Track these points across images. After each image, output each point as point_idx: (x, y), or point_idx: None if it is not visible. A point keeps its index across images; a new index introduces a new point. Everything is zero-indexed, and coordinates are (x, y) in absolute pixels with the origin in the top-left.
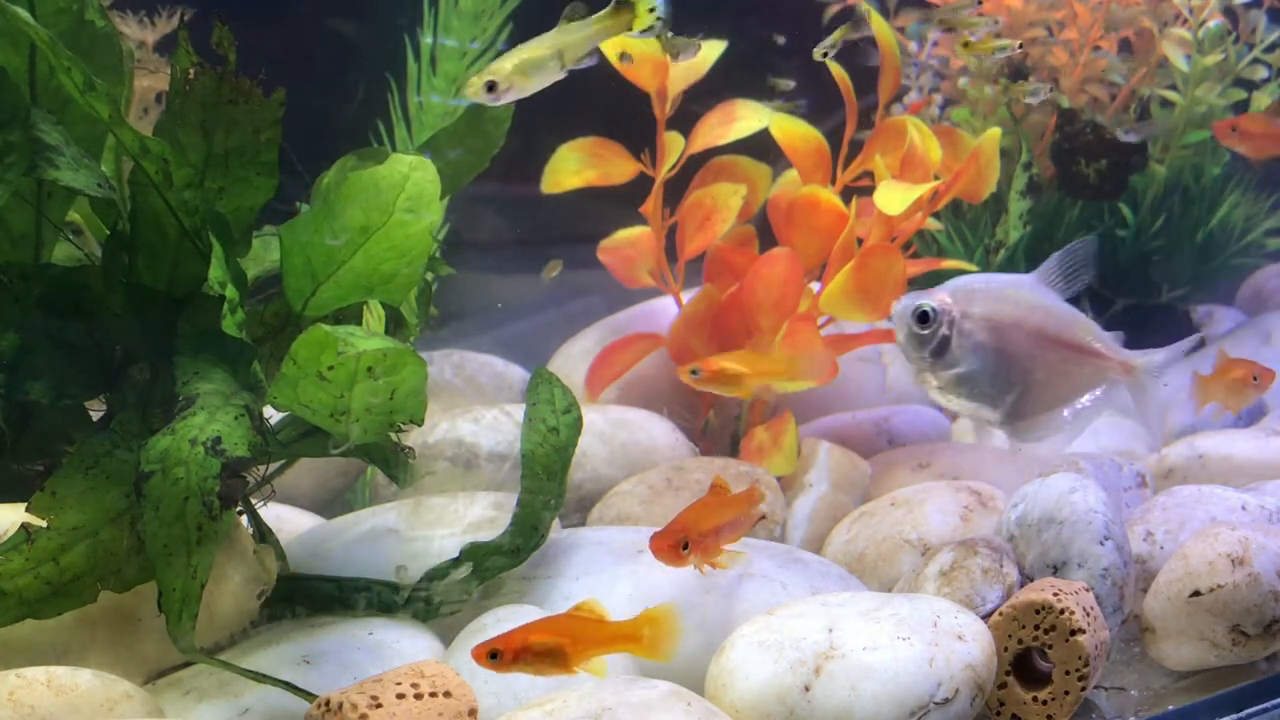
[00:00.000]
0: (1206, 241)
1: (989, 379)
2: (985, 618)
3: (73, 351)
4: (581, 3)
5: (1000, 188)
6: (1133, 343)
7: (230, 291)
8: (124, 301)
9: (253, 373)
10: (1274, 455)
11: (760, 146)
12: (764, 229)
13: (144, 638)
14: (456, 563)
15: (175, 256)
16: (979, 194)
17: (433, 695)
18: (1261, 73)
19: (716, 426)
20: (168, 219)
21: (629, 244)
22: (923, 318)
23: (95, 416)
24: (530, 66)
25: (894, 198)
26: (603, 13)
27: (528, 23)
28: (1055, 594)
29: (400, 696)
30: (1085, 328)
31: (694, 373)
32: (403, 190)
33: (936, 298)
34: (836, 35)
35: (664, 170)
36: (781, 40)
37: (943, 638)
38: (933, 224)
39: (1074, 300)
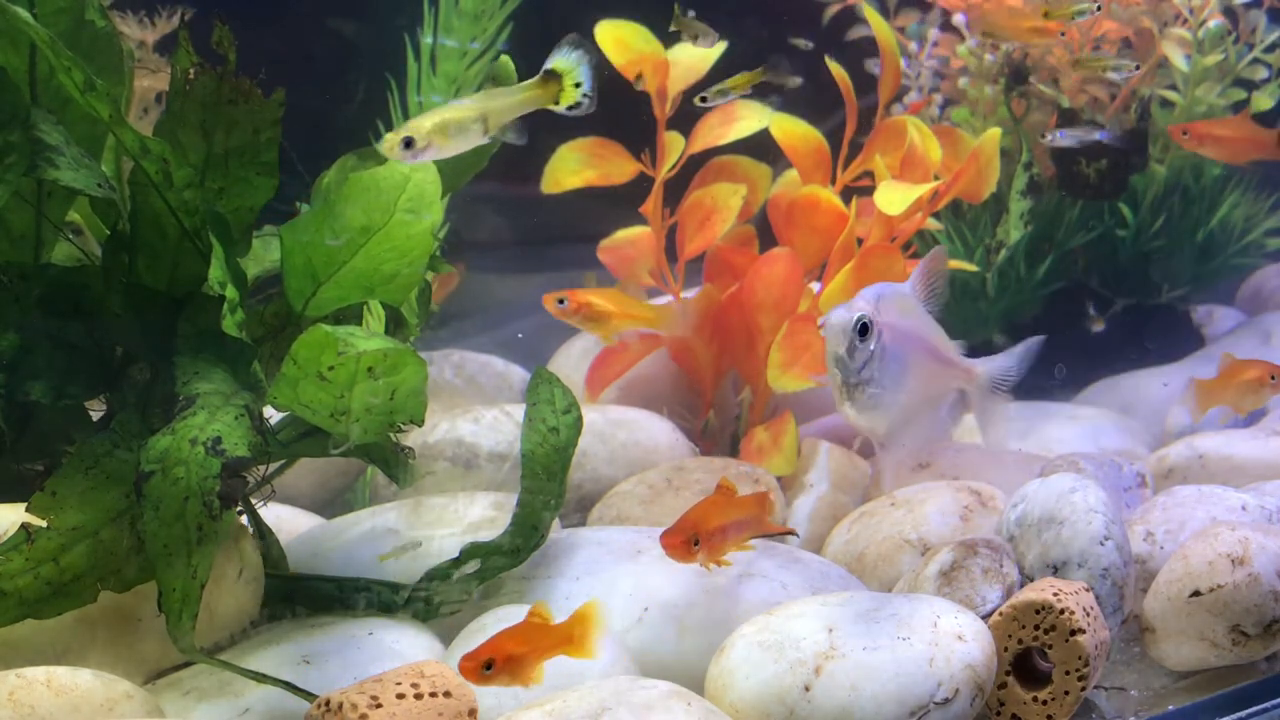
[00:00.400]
0: (1206, 241)
1: (898, 391)
2: (985, 618)
3: (73, 351)
4: (509, 59)
5: (1000, 188)
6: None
7: (230, 291)
8: (124, 301)
9: (253, 373)
10: (1274, 455)
11: (760, 146)
12: (764, 229)
13: (144, 638)
14: (457, 562)
15: (175, 256)
16: (979, 194)
17: (433, 695)
18: (1261, 73)
19: (716, 426)
20: (168, 219)
21: (629, 244)
22: (864, 330)
23: (95, 416)
24: (451, 127)
25: (894, 198)
26: (530, 82)
27: (528, 23)
28: (1055, 594)
29: (400, 696)
30: (943, 336)
31: (560, 302)
32: (404, 191)
33: (862, 306)
34: (738, 80)
35: (664, 170)
36: (806, 45)
37: (943, 638)
38: (933, 224)
39: (1066, 300)
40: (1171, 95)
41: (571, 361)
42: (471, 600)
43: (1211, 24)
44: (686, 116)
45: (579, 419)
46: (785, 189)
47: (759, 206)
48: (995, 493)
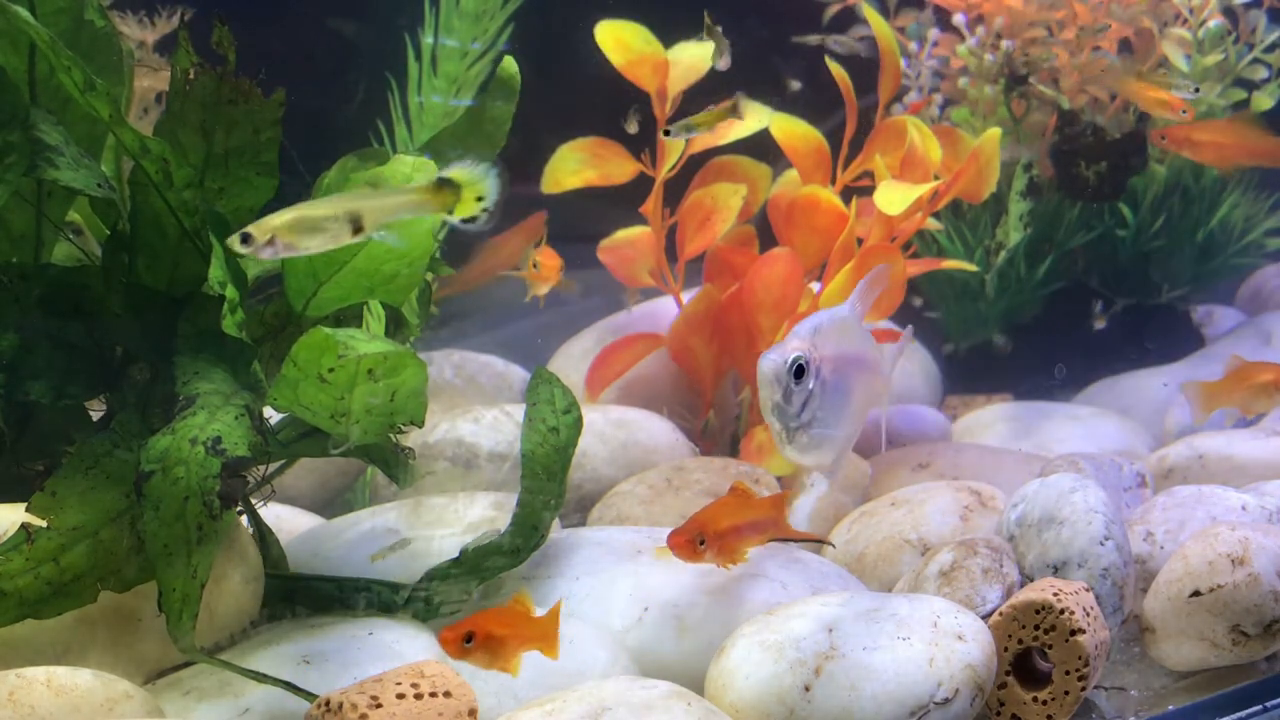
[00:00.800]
0: (1206, 241)
1: (840, 423)
2: (985, 618)
3: (73, 351)
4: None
5: (1000, 188)
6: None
7: (230, 291)
8: (124, 301)
9: (253, 373)
10: (1274, 455)
11: (760, 146)
12: (764, 229)
13: (144, 638)
14: (457, 562)
15: (175, 256)
16: (979, 194)
17: (433, 695)
18: (1261, 73)
19: (716, 426)
20: (168, 219)
21: (629, 244)
22: (800, 372)
23: (95, 416)
24: (306, 226)
25: (894, 198)
26: (422, 184)
27: (528, 23)
28: (1055, 594)
29: (400, 696)
30: (877, 348)
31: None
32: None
33: (796, 345)
34: (705, 117)
35: (664, 170)
36: (816, 40)
37: (943, 638)
38: (933, 224)
39: (1066, 300)
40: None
41: (571, 361)
42: (471, 600)
43: (1211, 24)
44: (687, 117)
45: (579, 419)
46: (785, 189)
47: (759, 206)
48: (995, 493)
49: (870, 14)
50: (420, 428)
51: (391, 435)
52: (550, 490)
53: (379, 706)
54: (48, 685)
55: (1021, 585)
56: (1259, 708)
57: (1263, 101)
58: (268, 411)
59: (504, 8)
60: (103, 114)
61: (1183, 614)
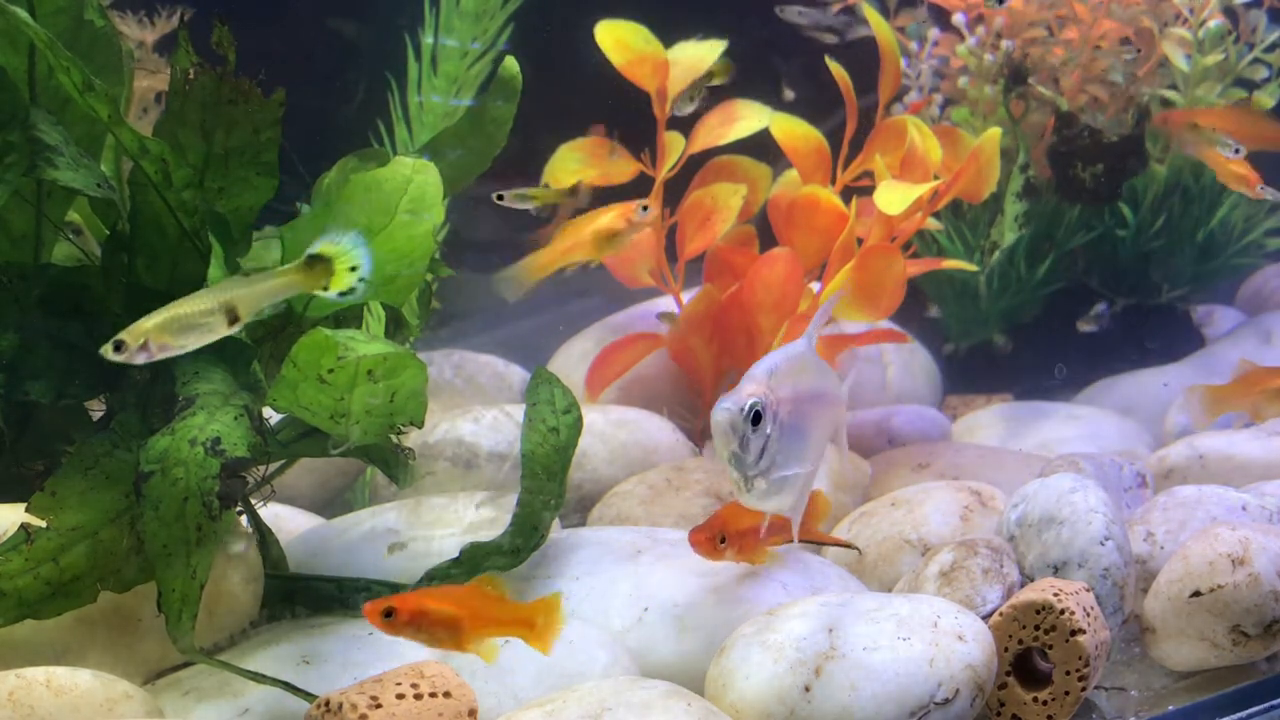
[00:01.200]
0: (1207, 241)
1: (799, 464)
2: (985, 618)
3: (73, 351)
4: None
5: (1000, 188)
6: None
7: None
8: (124, 301)
9: (252, 373)
10: (1274, 455)
11: (760, 146)
12: (764, 229)
13: (144, 638)
14: (457, 562)
15: (175, 256)
16: (979, 194)
17: (433, 695)
18: (1262, 72)
19: None
20: (167, 219)
21: (629, 244)
22: (756, 419)
23: (95, 416)
24: (178, 325)
25: (894, 198)
26: (292, 265)
27: (528, 23)
28: (1055, 594)
29: (400, 697)
30: (834, 378)
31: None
32: (405, 192)
33: (752, 391)
34: (542, 192)
35: (664, 170)
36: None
37: (943, 638)
38: (933, 224)
39: (1066, 300)
40: (1172, 95)
41: (571, 361)
42: None
43: (1212, 24)
44: (686, 117)
45: (579, 419)
46: (785, 189)
47: (759, 206)
48: (995, 493)
49: (870, 14)
50: (420, 428)
51: (391, 435)
52: (550, 490)
53: (379, 707)
54: (47, 685)
55: (1022, 585)
56: (1259, 708)
57: (1263, 101)
58: (267, 411)
59: (504, 7)
60: (102, 114)
61: (1183, 614)
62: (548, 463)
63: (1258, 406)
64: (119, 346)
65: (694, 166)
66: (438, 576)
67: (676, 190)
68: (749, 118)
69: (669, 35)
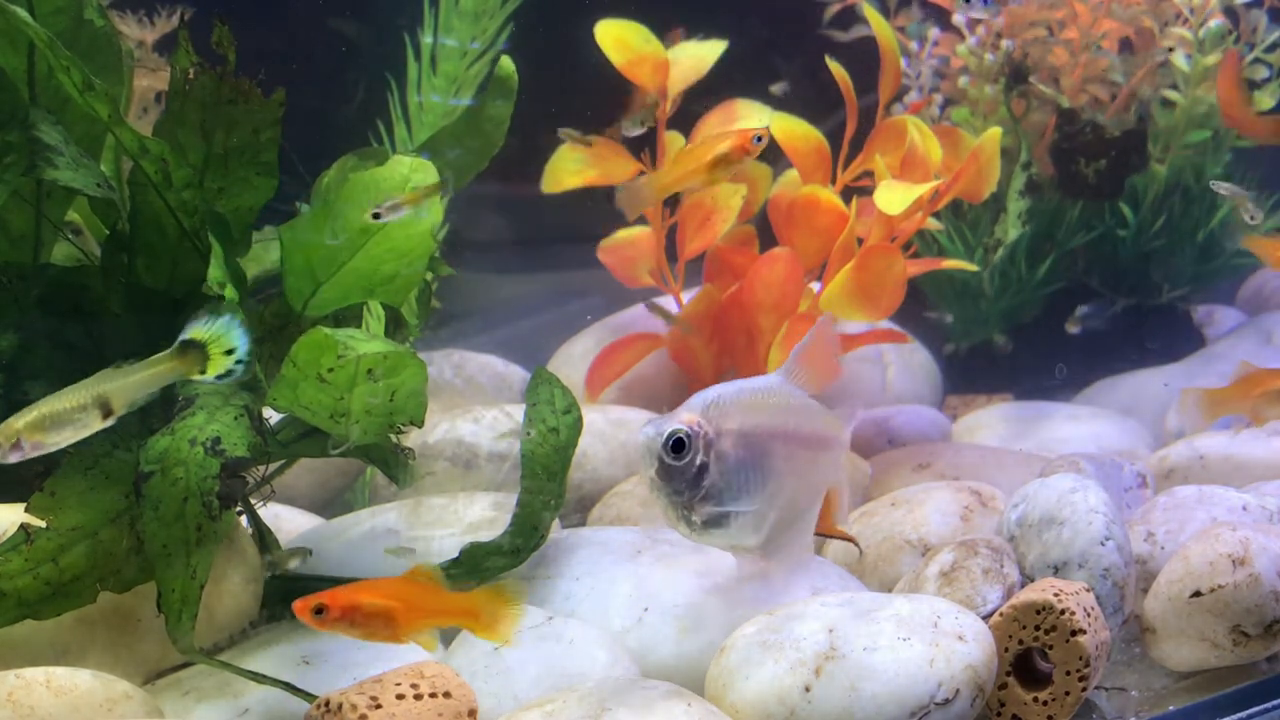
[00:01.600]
0: (1207, 241)
1: (753, 502)
2: (986, 618)
3: (72, 351)
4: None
5: (1001, 187)
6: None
7: (229, 291)
8: (124, 301)
9: (252, 373)
10: (1274, 455)
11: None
12: (764, 229)
13: (143, 638)
14: (457, 562)
15: (175, 256)
16: (979, 194)
17: (432, 696)
18: (1262, 72)
19: None
20: (167, 219)
21: (629, 244)
22: (677, 446)
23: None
24: (51, 421)
25: (894, 198)
26: (165, 353)
27: (528, 23)
28: (1056, 594)
29: (400, 697)
30: (826, 418)
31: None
32: (404, 191)
33: (686, 419)
34: (410, 195)
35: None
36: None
37: (943, 638)
38: (933, 224)
39: (1073, 299)
40: (1172, 95)
41: (571, 361)
42: None
43: (1212, 24)
44: (686, 116)
45: (579, 419)
46: (785, 189)
47: (759, 206)
48: (995, 493)
49: (870, 14)
50: (420, 428)
51: (391, 435)
52: (550, 490)
53: (378, 707)
54: (47, 686)
55: (1022, 586)
56: (1259, 708)
57: (1263, 101)
58: (267, 411)
59: (503, 7)
60: (102, 114)
61: (1183, 614)
62: (548, 463)
63: (1258, 409)
64: None
65: None
66: None
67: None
68: (749, 118)
69: (669, 35)
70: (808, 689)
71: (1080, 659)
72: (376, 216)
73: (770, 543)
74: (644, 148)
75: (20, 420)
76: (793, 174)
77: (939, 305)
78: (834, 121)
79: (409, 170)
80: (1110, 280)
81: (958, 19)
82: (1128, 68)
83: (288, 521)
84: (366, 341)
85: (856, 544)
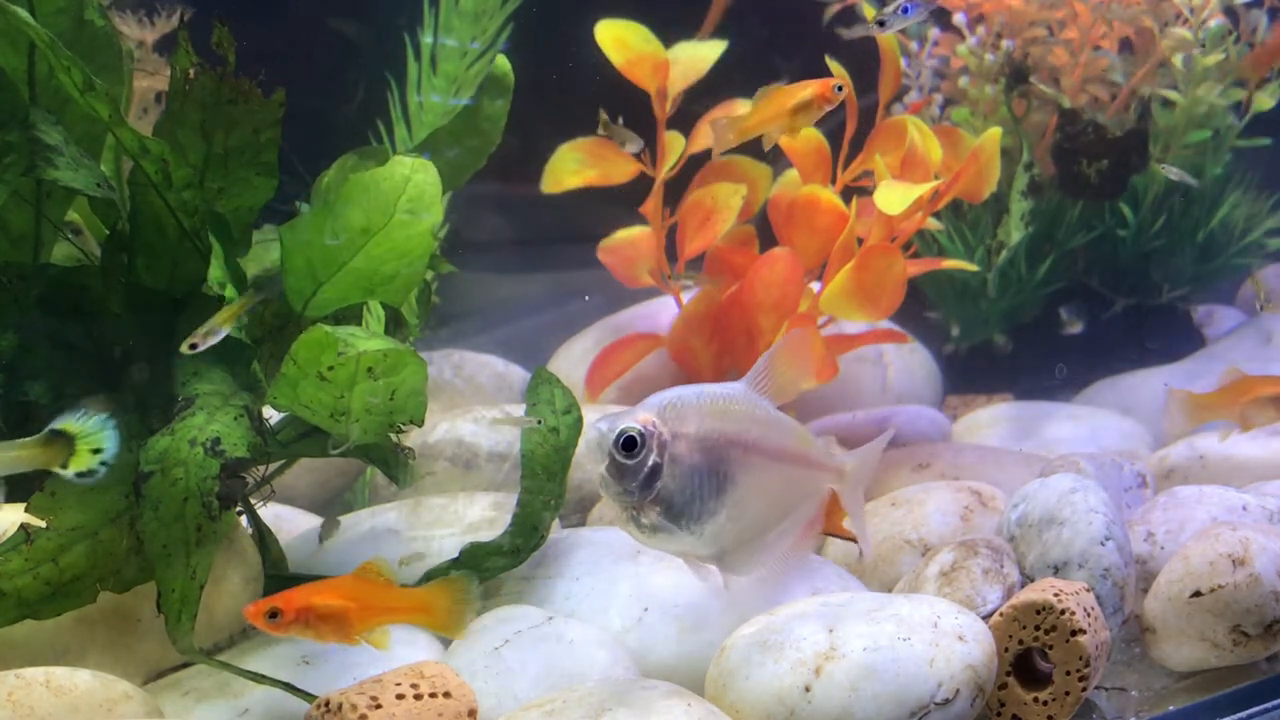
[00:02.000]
0: (1207, 241)
1: (706, 509)
2: (986, 618)
3: (72, 351)
4: None
5: (1001, 188)
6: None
7: (229, 291)
8: (124, 301)
9: (252, 373)
10: (1274, 455)
11: (760, 146)
12: (764, 229)
13: (143, 638)
14: (457, 562)
15: (175, 256)
16: (979, 194)
17: (432, 696)
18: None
19: None
20: (167, 219)
21: (629, 244)
22: (628, 444)
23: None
24: None
25: (894, 198)
26: (33, 439)
27: (529, 23)
28: (1056, 594)
29: (400, 697)
30: (801, 436)
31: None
32: (404, 192)
33: (640, 418)
34: (226, 313)
35: (664, 170)
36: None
37: (943, 638)
38: (933, 224)
39: (1068, 300)
40: (1172, 95)
41: (571, 361)
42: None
43: (1212, 23)
44: (686, 116)
45: (579, 419)
46: (785, 189)
47: (759, 206)
48: (995, 493)
49: (870, 14)
50: (420, 427)
51: (391, 435)
52: (550, 490)
53: (378, 707)
54: (47, 686)
55: (1022, 585)
56: (1259, 708)
57: (1263, 101)
58: (267, 411)
59: (503, 7)
60: (102, 114)
61: (1183, 614)
62: (548, 463)
63: (1246, 415)
64: None
65: (694, 166)
66: (437, 577)
67: (676, 190)
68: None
69: (669, 35)
70: (808, 689)
71: (1080, 659)
72: (193, 348)
73: (729, 557)
74: (644, 148)
75: None
76: (793, 174)
77: (939, 306)
78: (834, 121)
79: (410, 170)
80: (1110, 280)
81: (958, 19)
82: (1128, 68)
83: (288, 521)
84: (367, 339)
85: (860, 544)
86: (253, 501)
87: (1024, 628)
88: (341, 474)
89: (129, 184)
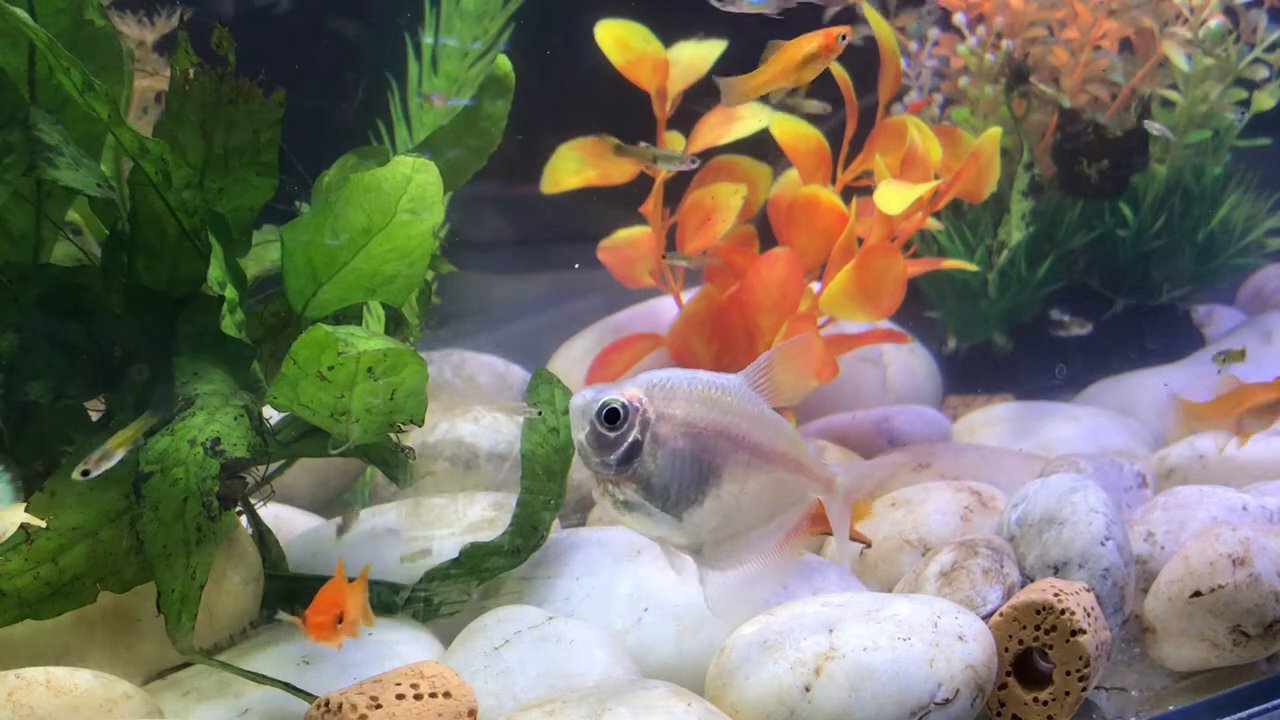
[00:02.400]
0: (1207, 241)
1: (685, 496)
2: (986, 618)
3: (72, 351)
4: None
5: (1001, 188)
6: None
7: (230, 291)
8: (124, 301)
9: (252, 373)
10: (1274, 455)
11: (760, 146)
12: (764, 229)
13: (143, 638)
14: (457, 563)
15: (175, 256)
16: (979, 194)
17: (432, 696)
18: (1262, 72)
19: None
20: (167, 219)
21: (629, 244)
22: (611, 416)
23: (95, 417)
24: None
25: (894, 197)
26: None
27: (530, 23)
28: (1056, 594)
29: (400, 697)
30: (792, 439)
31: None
32: (404, 191)
33: (628, 393)
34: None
35: (664, 170)
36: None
37: (943, 638)
38: (933, 224)
39: (1069, 298)
40: (1172, 95)
41: (571, 361)
42: (471, 600)
43: (1212, 23)
44: (686, 116)
45: None
46: (785, 189)
47: (759, 206)
48: (995, 493)
49: (870, 14)
50: (420, 426)
51: (391, 435)
52: (550, 490)
53: (379, 707)
54: (47, 686)
55: (1022, 586)
56: (1259, 708)
57: (1264, 101)
58: (267, 411)
59: (505, 8)
60: (102, 114)
61: (1183, 614)
62: (548, 463)
63: (1242, 424)
64: None
65: None
66: (437, 577)
67: (676, 190)
68: (749, 118)
69: (669, 35)
70: (808, 689)
71: (1080, 659)
72: (85, 474)
73: (708, 550)
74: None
75: None
76: (793, 174)
77: (939, 306)
78: (834, 121)
79: (411, 170)
80: (1110, 280)
81: (958, 19)
82: (1128, 68)
83: (288, 521)
84: (367, 339)
85: (868, 543)
86: (253, 501)
87: (1024, 628)
88: (341, 474)
89: (129, 184)
